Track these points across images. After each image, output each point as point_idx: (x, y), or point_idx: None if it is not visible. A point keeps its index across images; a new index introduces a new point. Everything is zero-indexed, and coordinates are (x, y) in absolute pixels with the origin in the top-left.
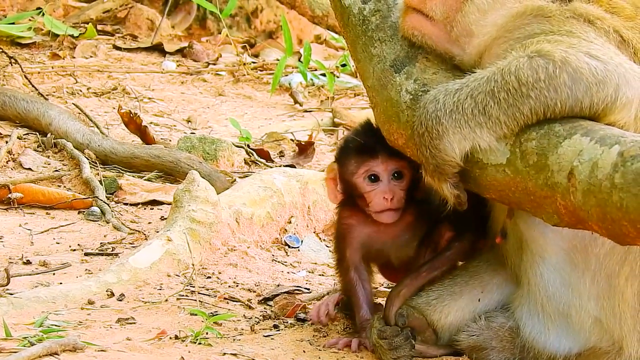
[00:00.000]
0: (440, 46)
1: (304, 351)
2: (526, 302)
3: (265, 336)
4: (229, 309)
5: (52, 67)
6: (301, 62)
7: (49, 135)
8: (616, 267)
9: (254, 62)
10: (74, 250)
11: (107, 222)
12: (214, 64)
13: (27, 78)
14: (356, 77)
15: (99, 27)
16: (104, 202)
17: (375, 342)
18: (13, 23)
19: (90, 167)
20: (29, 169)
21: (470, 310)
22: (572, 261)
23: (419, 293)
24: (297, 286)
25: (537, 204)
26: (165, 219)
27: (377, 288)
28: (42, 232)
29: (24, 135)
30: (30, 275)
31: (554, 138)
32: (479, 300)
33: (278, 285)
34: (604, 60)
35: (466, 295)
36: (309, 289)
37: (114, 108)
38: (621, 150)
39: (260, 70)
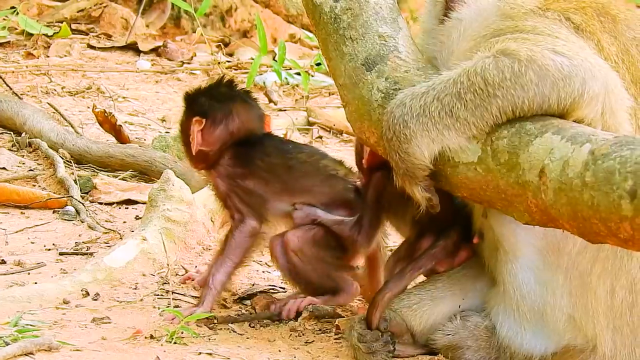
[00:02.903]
0: None
1: (280, 350)
2: (502, 302)
3: (241, 335)
4: None
5: (27, 67)
6: (276, 61)
7: (23, 134)
8: (588, 266)
9: (228, 61)
10: (49, 249)
11: (82, 222)
12: (189, 63)
13: (1, 77)
14: (330, 75)
15: (73, 26)
16: (78, 201)
17: (354, 344)
18: None
19: (65, 166)
20: (4, 168)
21: (451, 316)
22: (545, 259)
23: (399, 296)
24: (272, 285)
25: (508, 202)
26: (140, 218)
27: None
28: (16, 232)
29: None
30: (4, 275)
31: (525, 136)
32: (459, 306)
33: (253, 285)
34: (569, 55)
35: (447, 300)
36: (284, 288)
37: (89, 107)
38: (592, 149)
39: (235, 69)
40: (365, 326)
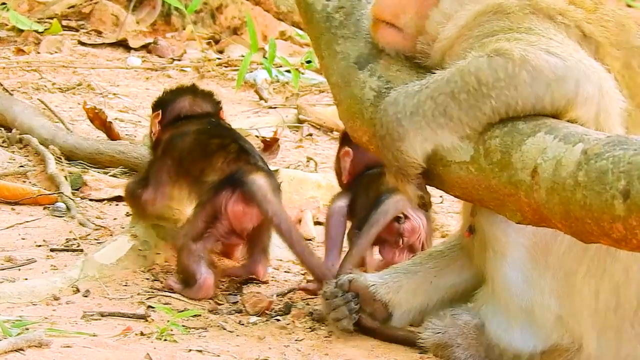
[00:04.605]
0: (410, 53)
1: (270, 347)
2: (491, 300)
3: (231, 332)
4: (195, 305)
5: (17, 63)
6: (266, 58)
7: (13, 130)
8: (574, 266)
9: (218, 59)
10: (40, 246)
11: (73, 218)
12: (179, 60)
13: None
14: (321, 73)
15: (64, 22)
16: (69, 198)
17: (322, 302)
18: None
19: (56, 162)
20: None
21: (423, 291)
22: (534, 258)
23: (377, 273)
24: (263, 282)
25: (500, 201)
26: (131, 215)
27: None
28: (7, 228)
29: None
30: None
31: (518, 136)
32: (431, 282)
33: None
34: (563, 56)
35: (420, 275)
36: (274, 286)
37: (79, 104)
38: (585, 148)
39: (225, 67)
40: (333, 286)
